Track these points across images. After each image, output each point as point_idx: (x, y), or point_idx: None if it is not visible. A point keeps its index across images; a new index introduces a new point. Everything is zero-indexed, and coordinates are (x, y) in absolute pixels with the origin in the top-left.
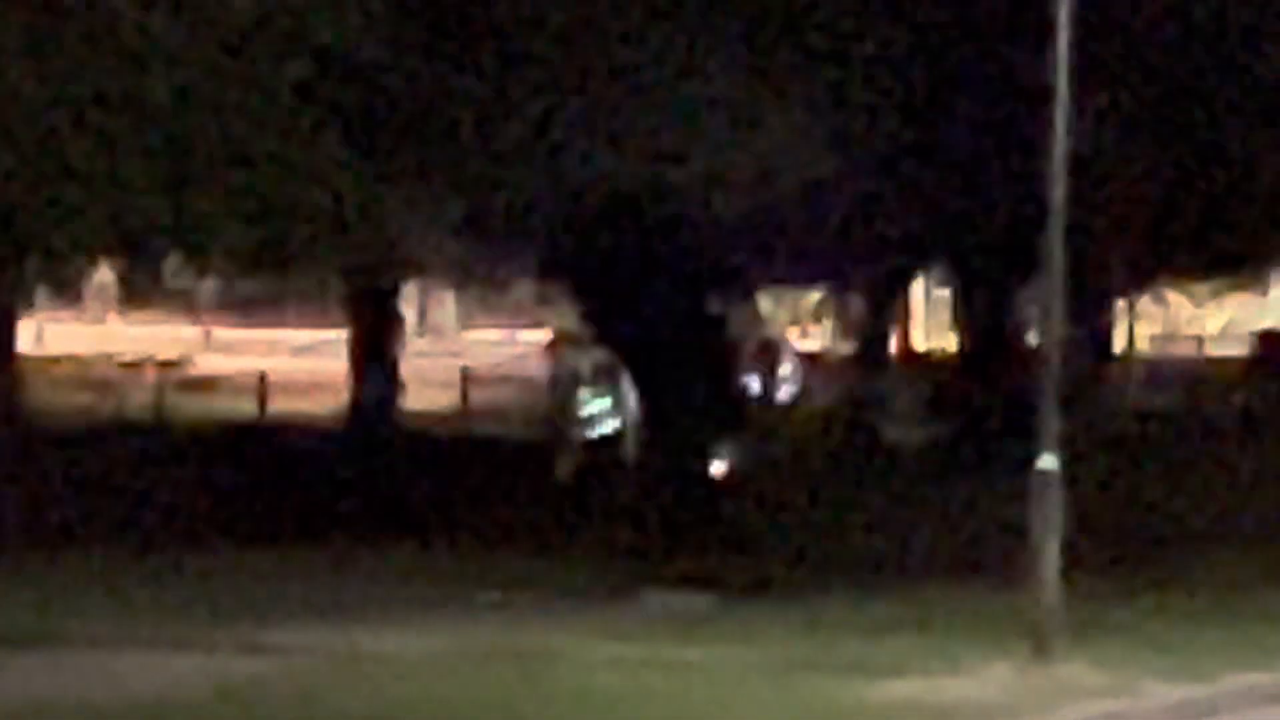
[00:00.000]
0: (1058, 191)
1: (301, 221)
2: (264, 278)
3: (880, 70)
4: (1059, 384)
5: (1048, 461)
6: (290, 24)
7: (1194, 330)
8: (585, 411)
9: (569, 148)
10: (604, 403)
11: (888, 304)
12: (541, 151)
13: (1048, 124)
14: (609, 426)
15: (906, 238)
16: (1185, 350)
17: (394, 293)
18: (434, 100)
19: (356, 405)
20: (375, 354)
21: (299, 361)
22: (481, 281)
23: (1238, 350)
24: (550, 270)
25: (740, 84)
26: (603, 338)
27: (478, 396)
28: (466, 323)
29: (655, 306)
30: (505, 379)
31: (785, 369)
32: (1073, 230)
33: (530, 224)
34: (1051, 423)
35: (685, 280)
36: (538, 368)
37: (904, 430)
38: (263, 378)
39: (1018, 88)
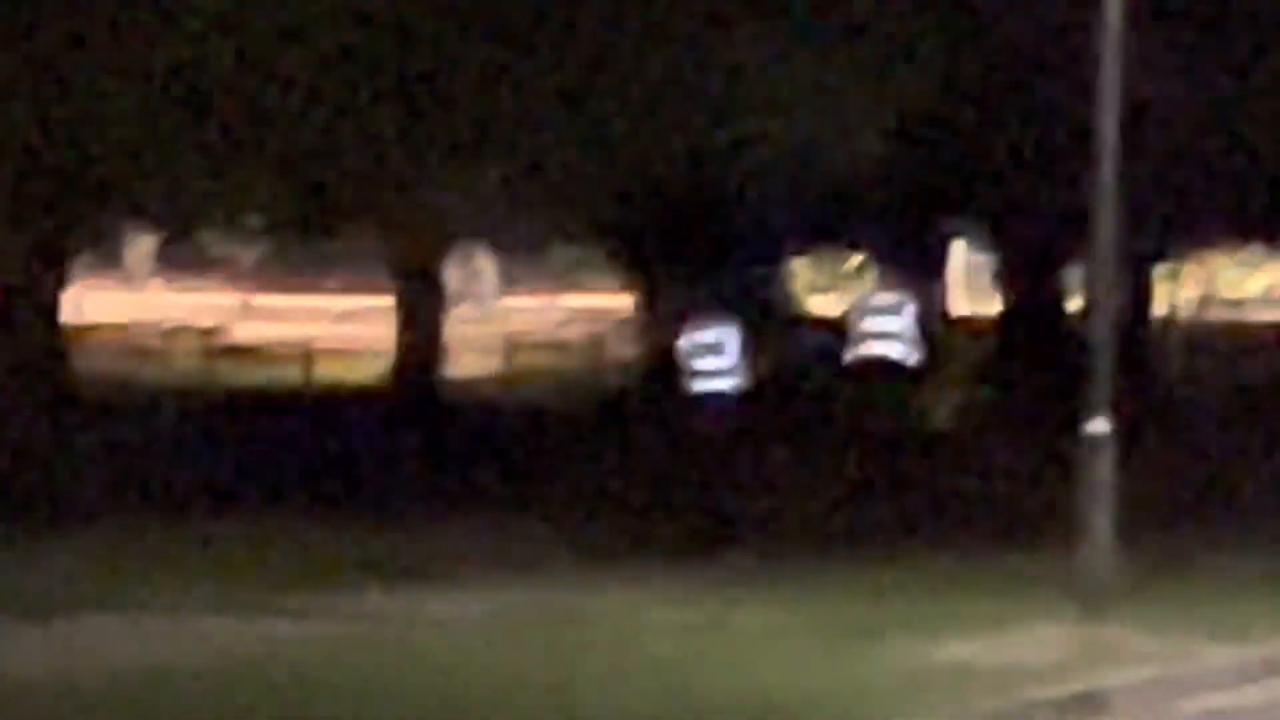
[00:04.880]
0: (1108, 150)
1: (343, 186)
2: (306, 243)
3: (931, 33)
4: (1108, 347)
5: (1099, 425)
6: None
7: (1234, 294)
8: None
9: (610, 116)
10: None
11: (930, 268)
12: (582, 120)
13: (1098, 82)
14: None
15: (951, 201)
16: (1225, 315)
17: (437, 258)
18: (475, 68)
19: (401, 371)
20: (415, 320)
21: (340, 328)
22: (522, 247)
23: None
24: (593, 236)
25: (783, 47)
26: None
27: (519, 363)
28: (506, 290)
29: (696, 273)
30: (546, 345)
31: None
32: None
33: (570, 191)
34: (1103, 386)
35: (725, 246)
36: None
37: (949, 394)
38: (309, 345)
39: (1071, 48)
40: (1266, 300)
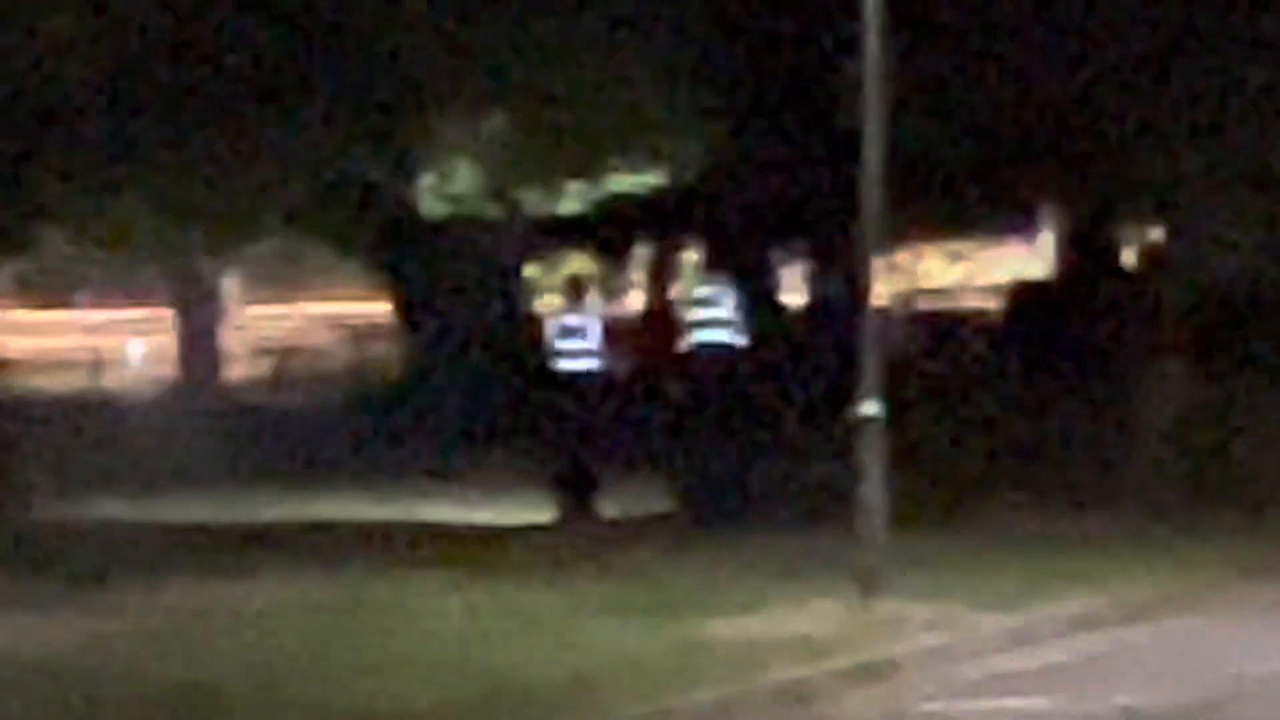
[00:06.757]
0: (873, 146)
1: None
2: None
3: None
4: (869, 334)
5: (870, 408)
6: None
7: (932, 284)
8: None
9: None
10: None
11: (659, 269)
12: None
13: (863, 90)
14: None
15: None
16: (930, 304)
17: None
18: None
19: (183, 378)
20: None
21: (91, 340)
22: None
23: (978, 303)
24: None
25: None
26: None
27: (282, 367)
28: (249, 298)
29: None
30: (293, 350)
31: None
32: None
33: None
34: (870, 370)
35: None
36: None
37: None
38: (96, 355)
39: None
40: (963, 290)
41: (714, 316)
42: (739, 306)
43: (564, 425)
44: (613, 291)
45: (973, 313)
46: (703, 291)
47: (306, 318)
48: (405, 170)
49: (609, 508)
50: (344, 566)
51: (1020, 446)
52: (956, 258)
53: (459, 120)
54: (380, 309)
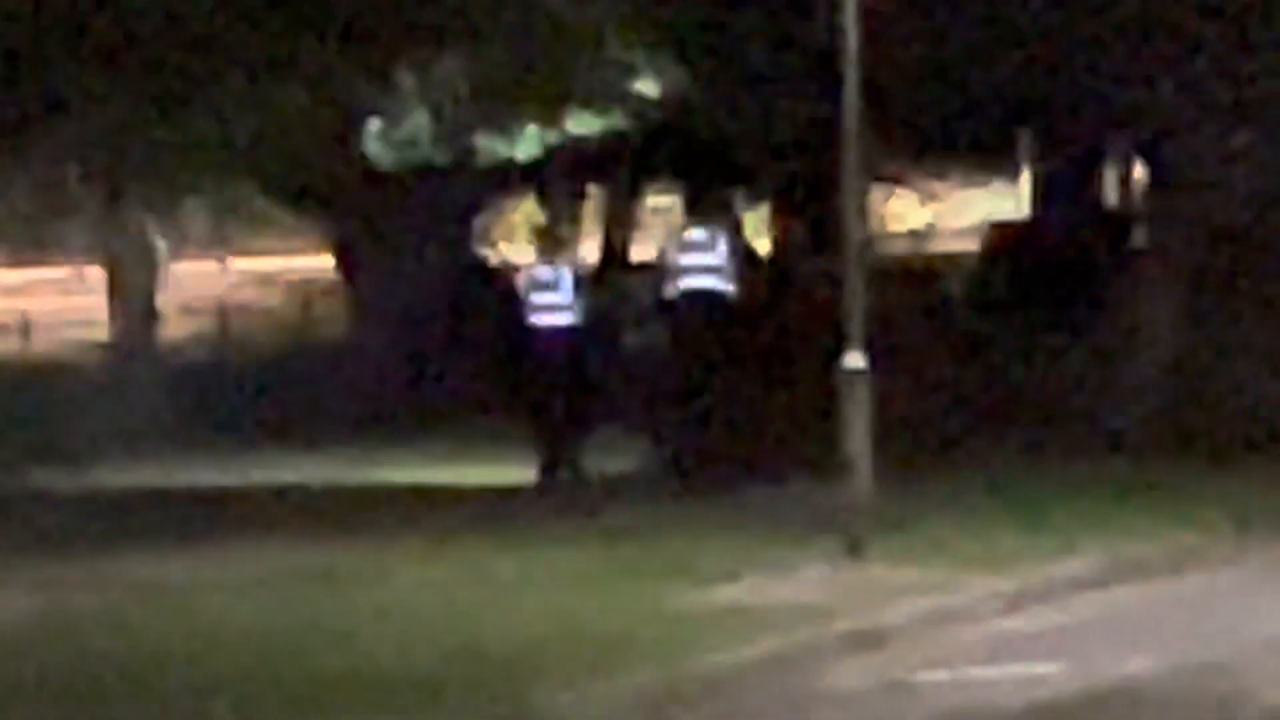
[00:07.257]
0: (850, 96)
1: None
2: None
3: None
4: (860, 282)
5: (855, 360)
6: None
7: (899, 227)
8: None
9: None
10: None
11: (621, 213)
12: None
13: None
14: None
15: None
16: (897, 247)
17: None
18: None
19: (119, 338)
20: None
21: (14, 302)
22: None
23: (952, 246)
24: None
25: None
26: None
27: (197, 325)
28: (175, 254)
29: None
30: (233, 308)
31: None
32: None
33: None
34: (855, 322)
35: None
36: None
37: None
38: (25, 318)
39: None
40: (937, 231)
41: (704, 263)
42: (733, 253)
43: (541, 384)
44: (565, 240)
45: (949, 256)
46: (695, 235)
47: (239, 274)
48: (352, 116)
49: (590, 467)
50: (313, 534)
51: (1006, 396)
52: (928, 199)
53: (410, 62)
54: (316, 264)
